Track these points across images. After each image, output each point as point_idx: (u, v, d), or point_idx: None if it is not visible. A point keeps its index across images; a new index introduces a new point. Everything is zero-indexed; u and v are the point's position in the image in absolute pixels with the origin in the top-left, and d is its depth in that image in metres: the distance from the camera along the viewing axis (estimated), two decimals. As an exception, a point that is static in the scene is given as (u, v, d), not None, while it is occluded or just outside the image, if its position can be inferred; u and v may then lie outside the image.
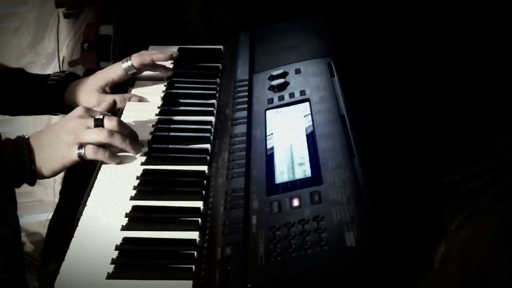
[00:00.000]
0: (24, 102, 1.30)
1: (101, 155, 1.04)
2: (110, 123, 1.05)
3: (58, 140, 1.04)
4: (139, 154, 1.10)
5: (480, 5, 1.30)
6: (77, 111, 1.07)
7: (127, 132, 1.08)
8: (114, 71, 1.29)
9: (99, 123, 1.05)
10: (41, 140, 1.04)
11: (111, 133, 1.05)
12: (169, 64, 1.41)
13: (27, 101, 1.30)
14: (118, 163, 1.07)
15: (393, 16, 1.40)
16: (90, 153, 1.03)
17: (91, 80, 1.29)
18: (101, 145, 1.05)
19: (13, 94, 1.29)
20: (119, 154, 1.09)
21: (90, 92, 1.27)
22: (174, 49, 1.44)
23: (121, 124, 1.07)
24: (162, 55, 1.34)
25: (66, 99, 1.28)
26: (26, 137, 1.04)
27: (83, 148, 1.03)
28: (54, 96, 1.28)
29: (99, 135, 1.04)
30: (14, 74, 1.31)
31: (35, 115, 1.38)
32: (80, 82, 1.29)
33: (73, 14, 2.07)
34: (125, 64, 1.29)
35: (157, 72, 1.37)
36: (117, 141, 1.06)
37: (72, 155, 1.03)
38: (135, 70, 1.30)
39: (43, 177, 1.04)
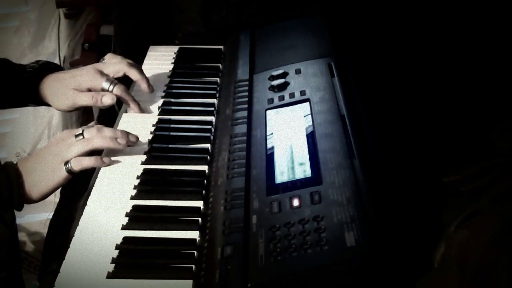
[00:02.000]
0: (4, 94, 1.26)
1: (86, 162, 1.05)
2: (89, 132, 1.06)
3: (45, 164, 1.04)
4: (135, 145, 1.09)
5: (480, 5, 1.30)
6: (61, 134, 1.09)
7: (110, 133, 1.07)
8: (91, 81, 1.20)
9: (80, 138, 1.06)
10: (29, 165, 1.04)
11: (90, 140, 1.05)
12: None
13: (7, 93, 1.25)
14: (109, 164, 1.07)
15: (393, 17, 1.41)
16: (75, 164, 1.04)
17: (67, 81, 1.21)
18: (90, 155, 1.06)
19: None
20: (112, 158, 1.09)
21: (66, 94, 1.20)
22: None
23: (100, 129, 1.08)
24: (137, 110, 1.23)
25: (42, 93, 1.22)
26: (14, 162, 1.04)
27: (69, 163, 1.03)
28: (29, 88, 1.23)
29: (79, 146, 1.04)
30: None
31: (14, 107, 1.34)
32: (56, 80, 1.22)
33: (74, 14, 2.07)
34: (106, 85, 1.20)
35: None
36: (97, 143, 1.06)
37: (60, 175, 1.03)
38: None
39: (32, 201, 1.04)
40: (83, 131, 1.07)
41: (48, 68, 1.26)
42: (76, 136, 1.06)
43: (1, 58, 1.30)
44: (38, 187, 1.03)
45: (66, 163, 1.04)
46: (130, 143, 1.09)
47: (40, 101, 1.25)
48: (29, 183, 1.03)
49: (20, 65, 1.28)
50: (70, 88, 1.20)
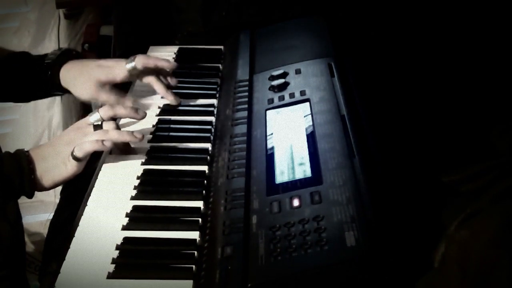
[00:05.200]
0: (26, 86, 1.26)
1: (87, 146, 1.02)
2: (108, 125, 1.06)
3: (57, 151, 1.03)
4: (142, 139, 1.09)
5: (480, 5, 1.30)
6: (77, 123, 1.08)
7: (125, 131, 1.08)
8: (118, 70, 1.23)
9: (98, 128, 1.05)
10: (41, 152, 1.03)
11: (106, 132, 1.05)
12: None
13: (29, 85, 1.26)
14: (108, 148, 1.05)
15: (393, 16, 1.41)
16: (78, 150, 1.02)
17: (93, 71, 1.22)
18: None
19: (17, 79, 1.26)
20: (112, 158, 1.08)
21: (90, 83, 1.21)
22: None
23: (118, 124, 1.07)
24: (166, 64, 1.27)
25: (63, 79, 1.23)
26: (26, 150, 1.04)
27: (73, 151, 1.02)
28: (52, 74, 1.23)
29: (94, 137, 1.04)
30: (18, 58, 1.28)
31: (38, 99, 1.35)
32: (81, 67, 1.23)
33: (74, 15, 2.07)
34: (129, 65, 1.23)
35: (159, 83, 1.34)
36: (114, 137, 1.05)
37: (71, 164, 1.03)
38: (138, 72, 1.25)
39: (43, 188, 1.03)
40: (102, 122, 1.06)
41: (69, 54, 1.26)
42: (95, 126, 1.05)
43: (21, 51, 1.30)
44: (50, 174, 1.02)
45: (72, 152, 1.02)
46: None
47: (63, 88, 1.24)
48: (41, 170, 1.02)
49: (40, 55, 1.28)
50: (94, 79, 1.21)
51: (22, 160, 1.01)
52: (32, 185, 1.01)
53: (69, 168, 1.03)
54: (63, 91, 1.27)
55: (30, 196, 1.03)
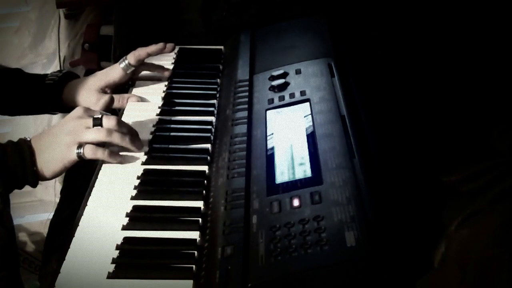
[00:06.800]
0: (23, 102, 1.30)
1: (100, 154, 1.05)
2: (108, 122, 1.06)
3: (58, 141, 1.04)
4: (140, 152, 1.10)
5: (480, 5, 1.30)
6: (76, 111, 1.08)
7: (126, 130, 1.08)
8: (113, 72, 1.30)
9: (97, 123, 1.05)
10: (42, 142, 1.04)
11: (110, 131, 1.05)
12: (168, 64, 1.41)
13: (25, 101, 1.30)
14: (118, 162, 1.08)
15: (393, 16, 1.41)
16: (89, 152, 1.04)
17: (90, 80, 1.29)
18: (101, 144, 1.05)
19: (11, 94, 1.29)
20: (120, 153, 1.09)
21: (89, 92, 1.27)
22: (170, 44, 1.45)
23: (120, 122, 1.08)
24: (155, 47, 1.33)
25: (65, 98, 1.28)
26: (28, 139, 1.04)
27: (82, 148, 1.03)
28: (52, 95, 1.28)
29: (97, 134, 1.04)
30: (12, 74, 1.31)
31: (33, 114, 1.39)
32: (80, 82, 1.30)
33: (74, 15, 2.07)
34: (123, 64, 1.29)
35: (156, 73, 1.37)
36: (116, 139, 1.06)
37: (71, 155, 1.03)
38: (133, 68, 1.30)
39: (44, 178, 1.05)
40: (102, 116, 1.06)
41: (71, 76, 1.32)
42: (94, 119, 1.06)
43: (15, 68, 1.35)
44: (51, 165, 1.03)
45: (79, 146, 1.03)
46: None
47: (63, 107, 1.29)
48: (42, 161, 1.03)
49: (39, 74, 1.34)
50: (93, 87, 1.28)
51: (24, 152, 1.02)
52: (34, 176, 1.03)
53: (67, 159, 1.03)
54: (61, 110, 1.32)
55: (34, 185, 1.04)
